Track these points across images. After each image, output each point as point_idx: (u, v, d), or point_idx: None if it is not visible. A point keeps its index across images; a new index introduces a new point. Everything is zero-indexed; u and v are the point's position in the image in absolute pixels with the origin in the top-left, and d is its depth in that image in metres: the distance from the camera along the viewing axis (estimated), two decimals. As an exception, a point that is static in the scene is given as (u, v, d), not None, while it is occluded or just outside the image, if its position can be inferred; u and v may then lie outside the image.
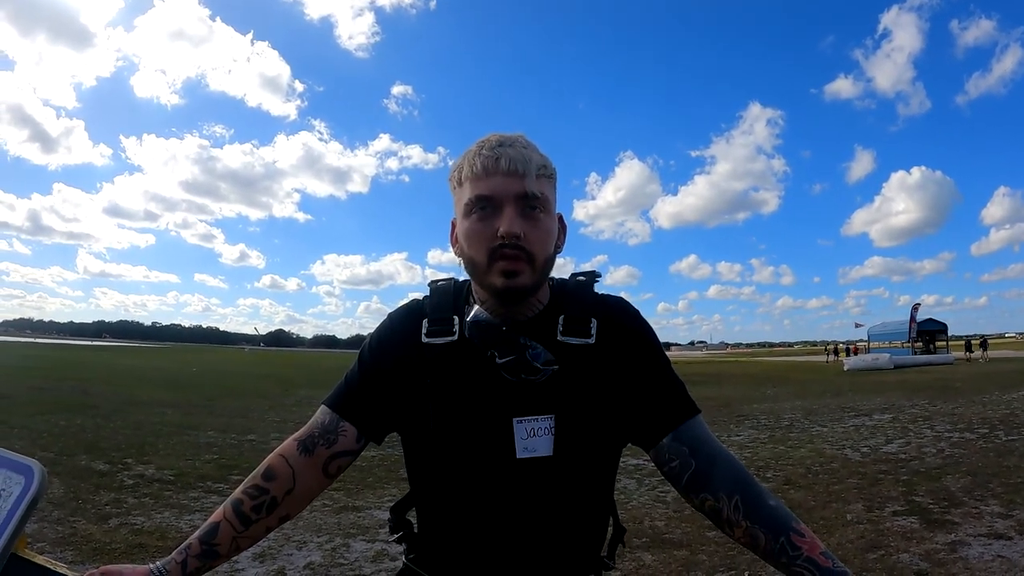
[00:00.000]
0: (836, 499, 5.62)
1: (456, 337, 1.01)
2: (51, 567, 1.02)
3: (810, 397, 16.86)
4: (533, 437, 0.97)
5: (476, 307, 1.01)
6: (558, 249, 1.04)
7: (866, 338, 48.19)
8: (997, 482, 5.94)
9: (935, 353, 39.82)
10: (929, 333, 43.17)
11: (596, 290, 1.09)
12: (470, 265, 1.00)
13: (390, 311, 1.13)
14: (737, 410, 13.70)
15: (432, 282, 1.12)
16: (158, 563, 0.99)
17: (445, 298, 1.07)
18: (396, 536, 1.11)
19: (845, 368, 32.72)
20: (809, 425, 10.88)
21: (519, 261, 0.95)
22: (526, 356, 0.97)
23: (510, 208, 0.95)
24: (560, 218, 1.05)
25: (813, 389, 20.05)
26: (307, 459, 1.03)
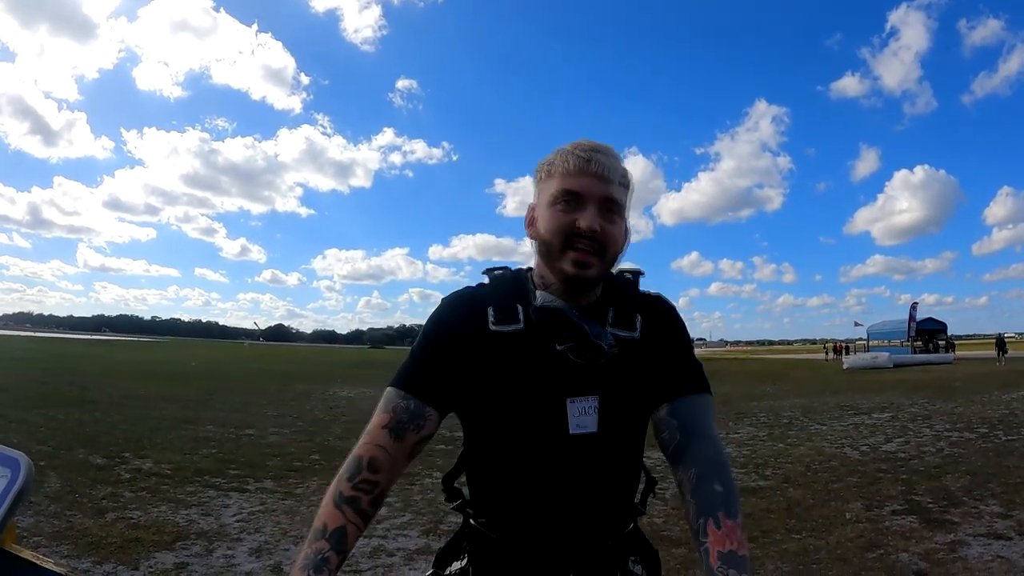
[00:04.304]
0: (835, 497, 5.62)
1: (522, 325, 1.10)
2: (38, 562, 1.00)
3: (809, 395, 16.89)
4: (584, 415, 1.08)
5: (540, 294, 1.12)
6: (622, 251, 1.15)
7: (866, 337, 48.22)
8: (997, 482, 5.94)
9: (936, 352, 39.92)
10: (929, 332, 43.23)
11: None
12: (545, 247, 1.11)
13: (444, 297, 1.19)
14: (736, 407, 13.70)
15: (488, 270, 1.20)
16: None
17: (508, 287, 1.15)
18: (455, 504, 1.19)
19: (844, 366, 32.76)
20: (808, 423, 10.90)
21: (591, 254, 1.07)
22: (591, 337, 1.07)
23: (593, 207, 1.07)
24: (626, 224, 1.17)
25: (812, 387, 20.09)
26: (400, 445, 1.06)
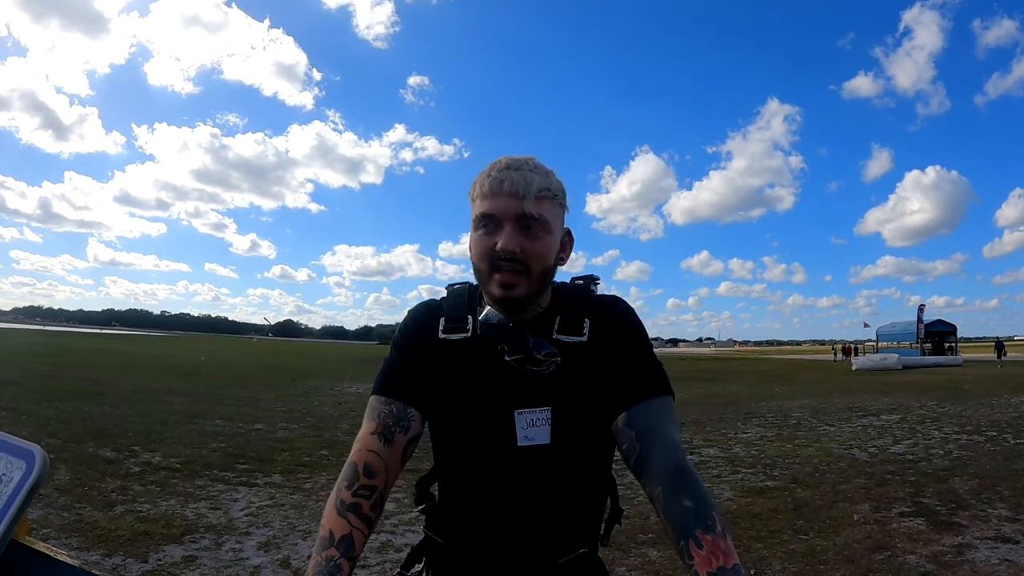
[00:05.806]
0: (843, 499, 5.59)
1: (469, 334, 1.13)
2: (51, 554, 1.01)
3: (818, 396, 16.79)
4: (532, 427, 1.08)
5: (488, 308, 1.13)
6: (561, 261, 1.16)
7: (875, 338, 47.92)
8: (1005, 485, 5.91)
9: (946, 354, 39.76)
10: (938, 334, 42.92)
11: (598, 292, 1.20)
12: (476, 272, 1.12)
13: (409, 308, 1.24)
14: (744, 407, 13.66)
15: (450, 285, 1.24)
16: None
17: (460, 299, 1.19)
18: (419, 508, 1.22)
19: (853, 368, 32.60)
20: (816, 424, 10.84)
21: (517, 275, 1.07)
22: (530, 349, 1.07)
23: (509, 226, 1.07)
24: (568, 232, 1.17)
25: (821, 388, 19.97)
26: (390, 449, 1.08)
